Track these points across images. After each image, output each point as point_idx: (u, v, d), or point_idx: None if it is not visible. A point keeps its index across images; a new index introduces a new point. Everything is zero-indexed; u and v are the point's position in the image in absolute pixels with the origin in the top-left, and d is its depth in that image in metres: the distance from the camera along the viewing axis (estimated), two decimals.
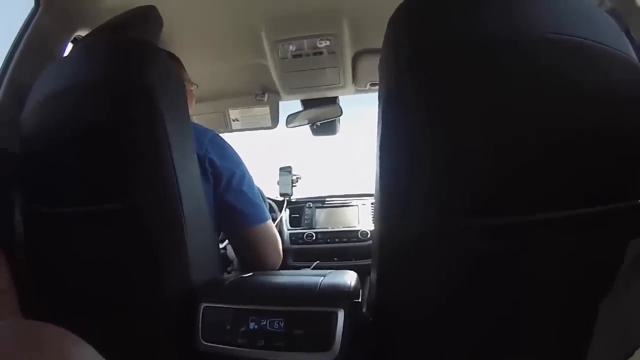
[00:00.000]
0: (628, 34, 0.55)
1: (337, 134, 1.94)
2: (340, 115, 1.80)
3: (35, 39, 1.01)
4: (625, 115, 0.50)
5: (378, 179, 0.61)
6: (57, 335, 0.39)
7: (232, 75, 1.61)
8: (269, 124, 1.80)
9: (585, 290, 0.53)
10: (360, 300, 0.72)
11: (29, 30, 1.01)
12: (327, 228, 1.79)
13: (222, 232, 1.13)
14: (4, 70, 0.97)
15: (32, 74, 0.87)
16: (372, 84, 1.59)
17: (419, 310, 0.62)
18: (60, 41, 1.08)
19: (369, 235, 1.70)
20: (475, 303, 0.59)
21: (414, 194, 0.56)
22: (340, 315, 0.67)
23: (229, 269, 1.27)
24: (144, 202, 0.72)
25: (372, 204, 1.81)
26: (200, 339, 0.73)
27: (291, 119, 1.79)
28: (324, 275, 0.77)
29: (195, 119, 1.61)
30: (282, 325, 0.69)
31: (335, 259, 1.72)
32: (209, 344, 0.72)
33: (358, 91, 1.66)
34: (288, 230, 1.81)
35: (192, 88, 1.09)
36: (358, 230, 1.73)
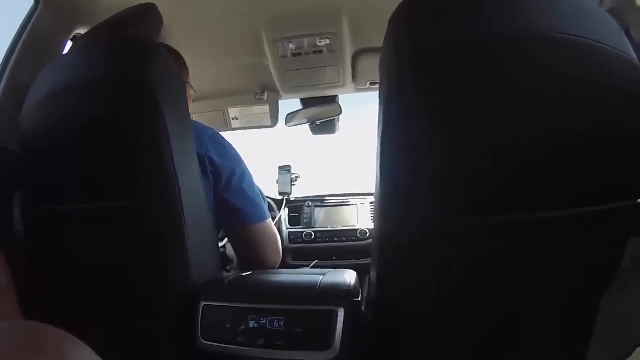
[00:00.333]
0: (628, 33, 0.55)
1: (337, 133, 1.94)
2: (339, 114, 1.80)
3: (34, 38, 1.01)
4: (625, 114, 0.50)
5: (378, 179, 0.61)
6: (57, 337, 0.38)
7: (232, 74, 1.61)
8: (269, 123, 1.81)
9: (585, 289, 0.53)
10: (360, 299, 0.73)
11: (28, 29, 1.00)
12: (326, 227, 1.79)
13: (221, 231, 1.13)
14: (3, 69, 0.97)
15: (32, 73, 0.87)
16: (372, 83, 1.58)
17: (419, 310, 0.62)
18: (60, 39, 1.08)
19: (368, 235, 1.71)
20: (475, 302, 0.59)
21: (414, 193, 0.56)
22: (340, 314, 0.67)
23: (228, 267, 1.27)
24: (144, 200, 0.72)
25: (371, 203, 1.82)
26: (200, 337, 0.73)
27: (291, 117, 1.79)
28: (324, 274, 0.78)
29: (195, 118, 1.61)
30: (282, 324, 0.69)
31: (334, 258, 1.72)
32: (209, 343, 0.72)
33: (358, 90, 1.66)
34: (287, 229, 1.81)
35: (191, 92, 1.08)
36: (357, 230, 1.73)
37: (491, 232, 0.54)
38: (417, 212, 0.56)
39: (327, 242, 1.74)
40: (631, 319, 0.52)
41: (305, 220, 1.84)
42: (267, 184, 1.92)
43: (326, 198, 1.93)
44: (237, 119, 1.80)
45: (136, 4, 0.93)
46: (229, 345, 0.71)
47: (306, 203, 1.90)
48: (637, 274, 0.50)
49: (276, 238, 1.06)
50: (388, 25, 0.60)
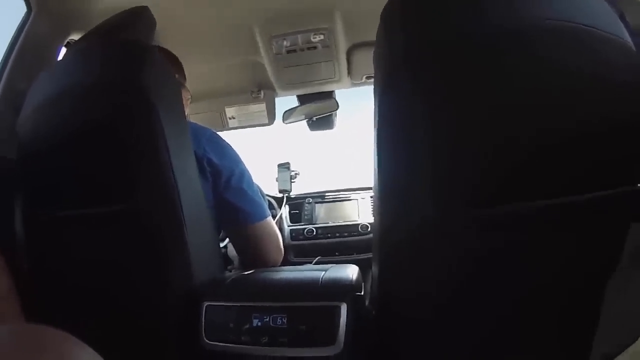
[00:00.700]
0: (622, 18, 0.55)
1: (334, 129, 1.93)
2: (336, 110, 1.79)
3: (29, 45, 1.01)
4: (622, 100, 0.50)
5: (376, 173, 0.60)
6: (59, 339, 0.39)
7: (228, 73, 1.61)
8: (266, 121, 1.81)
9: (586, 284, 0.53)
10: (362, 293, 0.72)
11: (22, 36, 1.00)
12: (328, 223, 1.79)
13: (222, 231, 1.13)
14: None
15: (27, 80, 0.87)
16: (368, 77, 1.58)
17: (421, 304, 0.62)
18: (54, 46, 1.08)
19: (369, 229, 1.70)
20: (475, 300, 0.59)
21: (412, 187, 0.56)
22: (343, 309, 0.67)
23: (229, 267, 1.27)
24: (143, 203, 0.72)
25: (371, 197, 1.81)
26: (204, 337, 0.73)
27: (288, 114, 1.79)
28: (326, 270, 0.78)
29: (192, 118, 1.61)
30: (285, 321, 0.69)
31: (336, 253, 1.72)
32: (213, 343, 0.72)
33: (354, 84, 1.66)
34: (288, 226, 1.81)
35: (188, 97, 1.08)
36: (358, 224, 1.73)
37: (491, 225, 0.54)
38: (416, 205, 0.56)
39: (328, 237, 1.74)
40: (635, 310, 0.52)
41: (306, 217, 1.84)
42: (266, 182, 1.92)
43: (326, 194, 1.93)
44: (234, 118, 1.80)
45: (129, 7, 0.93)
46: (233, 345, 0.71)
47: (306, 199, 1.89)
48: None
49: (277, 236, 1.06)
50: (380, 18, 0.59)
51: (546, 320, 0.57)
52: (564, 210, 0.52)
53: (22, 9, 1.03)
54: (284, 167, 1.91)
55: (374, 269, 0.68)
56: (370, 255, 0.73)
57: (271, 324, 0.69)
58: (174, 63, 1.05)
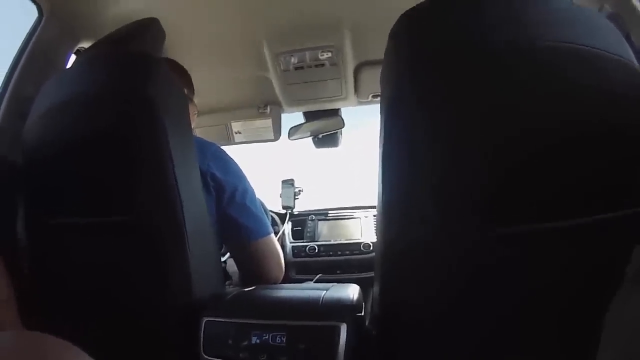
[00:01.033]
0: (628, 38, 0.55)
1: (339, 147, 1.94)
2: (342, 128, 1.80)
3: (38, 50, 1.02)
4: (626, 119, 0.49)
5: (380, 190, 0.60)
6: (59, 348, 0.39)
7: (235, 88, 1.62)
8: (272, 137, 1.81)
9: (588, 297, 0.52)
10: (363, 313, 0.72)
11: (32, 42, 1.01)
12: (330, 241, 1.78)
13: (223, 246, 1.12)
14: (7, 81, 0.98)
15: (35, 85, 0.88)
16: (374, 96, 1.59)
17: (423, 324, 0.61)
18: (63, 52, 1.09)
19: (371, 248, 1.69)
20: (479, 315, 0.58)
21: (416, 204, 0.56)
22: (343, 329, 0.66)
23: (227, 282, 1.26)
24: (145, 214, 0.72)
25: (374, 215, 1.81)
26: (202, 353, 0.72)
27: (293, 131, 1.80)
28: (327, 289, 0.77)
29: (197, 132, 1.62)
30: (284, 339, 0.68)
31: (338, 271, 1.71)
32: (211, 358, 0.72)
33: (361, 103, 1.67)
34: (290, 243, 1.80)
35: (195, 112, 1.09)
36: (361, 243, 1.72)
37: (494, 239, 0.54)
38: (420, 222, 0.56)
39: (330, 255, 1.73)
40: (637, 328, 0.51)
41: (308, 234, 1.83)
42: (270, 198, 1.92)
43: (329, 211, 1.92)
44: (240, 133, 1.80)
45: (139, 16, 0.94)
46: None
47: (309, 217, 1.89)
48: None
49: (279, 253, 1.05)
50: (388, 39, 0.60)
51: (549, 332, 0.56)
52: (567, 231, 0.52)
53: (34, 15, 1.04)
54: (288, 183, 1.90)
55: (375, 287, 0.67)
56: (371, 274, 0.73)
57: (270, 342, 0.68)
58: (183, 76, 1.05)
